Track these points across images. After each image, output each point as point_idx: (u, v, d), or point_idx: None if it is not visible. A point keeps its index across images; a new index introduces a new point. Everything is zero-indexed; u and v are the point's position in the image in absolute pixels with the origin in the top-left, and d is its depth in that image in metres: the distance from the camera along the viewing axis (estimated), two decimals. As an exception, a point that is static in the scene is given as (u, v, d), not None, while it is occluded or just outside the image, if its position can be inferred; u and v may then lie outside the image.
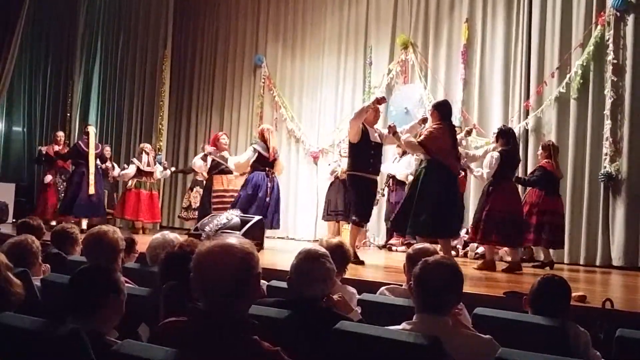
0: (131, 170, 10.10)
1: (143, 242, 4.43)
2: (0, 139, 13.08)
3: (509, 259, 6.83)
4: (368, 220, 6.97)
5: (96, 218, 9.86)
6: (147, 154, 10.19)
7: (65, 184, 9.96)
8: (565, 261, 7.92)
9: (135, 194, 10.00)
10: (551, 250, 7.43)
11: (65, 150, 10.38)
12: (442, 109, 6.31)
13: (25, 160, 13.03)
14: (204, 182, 9.28)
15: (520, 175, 7.62)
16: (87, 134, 9.67)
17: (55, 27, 12.98)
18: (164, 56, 11.82)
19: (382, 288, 3.62)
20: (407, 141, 6.38)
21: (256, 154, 8.01)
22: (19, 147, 13.23)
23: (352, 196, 6.81)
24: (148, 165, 10.13)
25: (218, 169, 8.74)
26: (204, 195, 9.00)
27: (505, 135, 6.72)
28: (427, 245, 3.64)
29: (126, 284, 2.55)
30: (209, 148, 8.96)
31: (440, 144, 6.12)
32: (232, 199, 8.44)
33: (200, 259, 1.86)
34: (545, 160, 7.28)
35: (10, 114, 13.21)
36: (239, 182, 8.51)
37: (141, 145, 10.52)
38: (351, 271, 3.87)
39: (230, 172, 8.76)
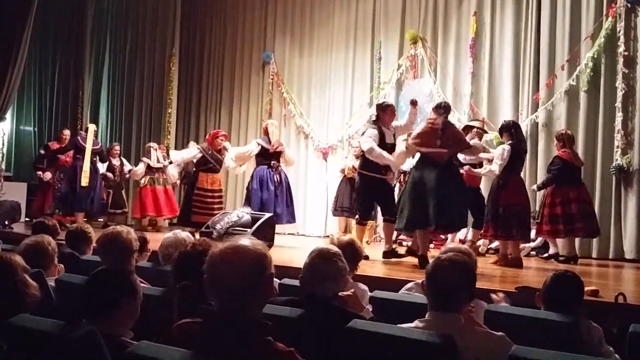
0: (140, 168, 10.15)
1: (155, 241, 4.45)
2: (12, 138, 13.15)
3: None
4: (368, 219, 6.98)
5: (99, 216, 9.93)
6: (156, 150, 10.24)
7: (62, 182, 9.94)
8: (578, 254, 7.88)
9: (151, 190, 10.04)
10: (560, 242, 7.42)
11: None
12: (436, 107, 6.37)
13: (36, 160, 13.12)
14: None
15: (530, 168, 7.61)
16: (87, 129, 9.74)
17: (64, 27, 13.03)
18: (171, 54, 11.84)
19: (411, 283, 3.61)
20: (398, 157, 6.52)
21: (259, 147, 8.11)
22: (30, 147, 13.32)
23: (357, 194, 6.86)
24: (158, 161, 10.17)
25: (206, 165, 8.65)
26: (187, 191, 8.92)
27: (508, 129, 6.69)
28: (459, 245, 3.56)
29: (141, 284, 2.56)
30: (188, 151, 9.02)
31: (421, 137, 6.14)
32: (214, 200, 8.52)
33: (213, 261, 1.88)
34: (562, 150, 7.10)
35: (20, 113, 13.28)
36: (228, 181, 8.60)
37: (147, 144, 10.58)
38: (362, 268, 3.88)
39: (217, 171, 8.74)
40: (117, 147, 10.68)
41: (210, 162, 8.64)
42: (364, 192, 6.62)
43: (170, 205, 10.16)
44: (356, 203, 6.93)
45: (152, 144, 10.42)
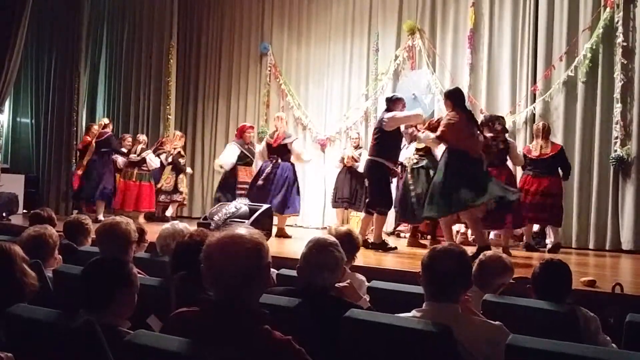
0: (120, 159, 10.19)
1: (153, 232, 4.45)
2: (9, 131, 13.13)
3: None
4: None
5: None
6: (139, 142, 10.23)
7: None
8: (574, 245, 7.91)
9: (123, 184, 10.02)
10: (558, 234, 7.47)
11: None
12: (455, 97, 6.19)
13: (34, 152, 13.08)
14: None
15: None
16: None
17: (60, 19, 12.94)
18: (169, 46, 11.79)
19: None
20: (425, 138, 6.42)
21: (263, 143, 8.14)
22: (27, 139, 13.27)
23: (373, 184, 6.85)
24: (137, 155, 10.08)
25: (244, 160, 8.87)
26: (225, 186, 8.98)
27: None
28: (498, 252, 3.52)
29: (138, 275, 2.56)
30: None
31: (459, 133, 6.01)
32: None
33: (210, 250, 1.88)
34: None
35: (17, 105, 13.23)
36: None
37: (124, 135, 10.59)
38: (361, 258, 3.88)
39: (252, 164, 8.98)
40: (129, 138, 10.59)
41: (247, 157, 8.89)
42: (385, 181, 6.83)
43: (137, 200, 10.02)
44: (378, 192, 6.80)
45: (138, 137, 10.42)
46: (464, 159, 5.90)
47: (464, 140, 5.97)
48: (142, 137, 10.39)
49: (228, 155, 8.91)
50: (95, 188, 9.74)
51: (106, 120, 10.53)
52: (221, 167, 9.05)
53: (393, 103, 6.82)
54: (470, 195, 5.68)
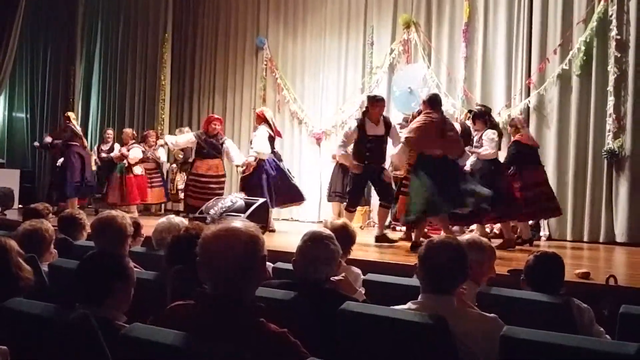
0: (137, 152, 10.03)
1: (149, 226, 4.45)
2: (4, 125, 13.11)
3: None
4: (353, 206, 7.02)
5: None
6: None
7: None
8: (569, 238, 7.95)
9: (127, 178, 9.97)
10: (552, 225, 7.47)
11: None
12: (430, 101, 6.22)
13: (29, 146, 13.06)
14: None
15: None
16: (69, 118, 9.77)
17: (55, 13, 12.92)
18: (164, 39, 11.76)
19: None
20: (398, 154, 6.44)
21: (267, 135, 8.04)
22: (22, 133, 13.26)
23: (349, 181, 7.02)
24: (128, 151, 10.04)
25: (201, 152, 8.67)
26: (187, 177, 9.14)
27: (482, 116, 6.82)
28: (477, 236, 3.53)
29: (134, 269, 2.56)
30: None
31: (421, 132, 6.02)
32: (207, 185, 8.53)
33: (206, 243, 1.88)
34: (519, 134, 7.03)
35: (12, 100, 13.22)
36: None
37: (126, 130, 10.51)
38: (356, 252, 3.89)
39: (212, 157, 8.67)
40: (110, 132, 10.55)
41: (204, 148, 8.62)
42: (353, 179, 6.88)
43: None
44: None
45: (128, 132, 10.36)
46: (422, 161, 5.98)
47: (422, 140, 6.00)
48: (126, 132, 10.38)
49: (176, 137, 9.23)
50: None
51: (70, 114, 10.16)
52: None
53: (371, 104, 6.79)
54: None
